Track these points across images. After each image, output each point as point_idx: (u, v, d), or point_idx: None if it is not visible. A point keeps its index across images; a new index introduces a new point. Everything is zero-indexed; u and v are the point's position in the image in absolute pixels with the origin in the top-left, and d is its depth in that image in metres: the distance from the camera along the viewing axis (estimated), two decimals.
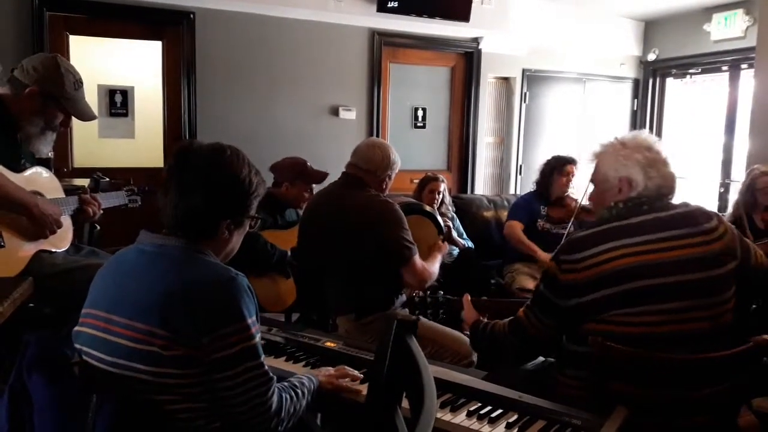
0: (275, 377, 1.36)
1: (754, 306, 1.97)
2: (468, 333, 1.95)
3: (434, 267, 2.47)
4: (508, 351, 1.73)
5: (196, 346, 1.24)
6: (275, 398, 1.34)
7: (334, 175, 2.70)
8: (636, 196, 1.63)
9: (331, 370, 1.65)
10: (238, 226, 1.43)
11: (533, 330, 1.65)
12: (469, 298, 1.97)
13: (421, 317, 2.05)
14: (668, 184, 1.65)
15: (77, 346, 1.37)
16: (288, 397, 1.40)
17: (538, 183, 3.95)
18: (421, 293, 2.12)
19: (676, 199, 1.69)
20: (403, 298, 2.52)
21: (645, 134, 1.72)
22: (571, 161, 3.86)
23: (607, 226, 1.61)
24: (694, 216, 1.61)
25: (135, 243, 1.40)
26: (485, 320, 1.83)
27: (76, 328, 1.38)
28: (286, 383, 1.46)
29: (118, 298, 1.32)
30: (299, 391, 1.45)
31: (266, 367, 1.33)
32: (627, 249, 1.53)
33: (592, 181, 1.78)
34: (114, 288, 1.35)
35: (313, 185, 3.34)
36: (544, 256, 3.56)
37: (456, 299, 1.99)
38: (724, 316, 1.57)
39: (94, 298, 1.38)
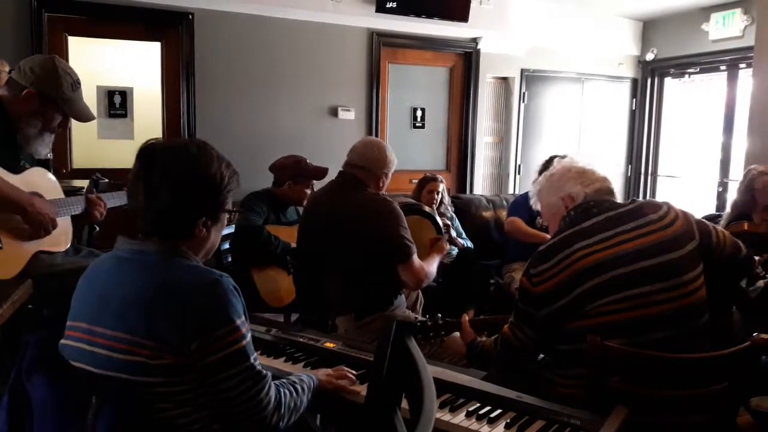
0: (269, 374, 1.35)
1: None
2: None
3: (432, 267, 2.46)
4: (498, 367, 1.82)
5: (185, 354, 1.22)
6: (272, 393, 1.34)
7: (333, 176, 2.69)
8: (582, 202, 1.75)
9: (329, 370, 1.65)
10: (215, 222, 1.39)
11: (519, 343, 1.74)
12: (467, 318, 2.03)
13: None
14: (605, 186, 1.80)
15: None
16: (287, 392, 1.40)
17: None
18: (420, 318, 2.13)
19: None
20: (403, 298, 2.52)
21: (563, 161, 1.92)
22: None
23: (563, 235, 1.70)
24: (641, 209, 1.72)
25: (113, 249, 1.36)
26: (479, 339, 1.94)
27: (62, 341, 1.34)
28: (284, 380, 1.46)
29: (98, 308, 1.28)
30: (299, 387, 1.45)
31: (258, 366, 1.31)
32: (585, 250, 1.63)
33: (543, 216, 1.93)
34: (94, 299, 1.31)
35: (314, 181, 3.36)
36: None
37: (455, 321, 2.02)
38: (695, 294, 1.64)
39: (76, 310, 1.34)
